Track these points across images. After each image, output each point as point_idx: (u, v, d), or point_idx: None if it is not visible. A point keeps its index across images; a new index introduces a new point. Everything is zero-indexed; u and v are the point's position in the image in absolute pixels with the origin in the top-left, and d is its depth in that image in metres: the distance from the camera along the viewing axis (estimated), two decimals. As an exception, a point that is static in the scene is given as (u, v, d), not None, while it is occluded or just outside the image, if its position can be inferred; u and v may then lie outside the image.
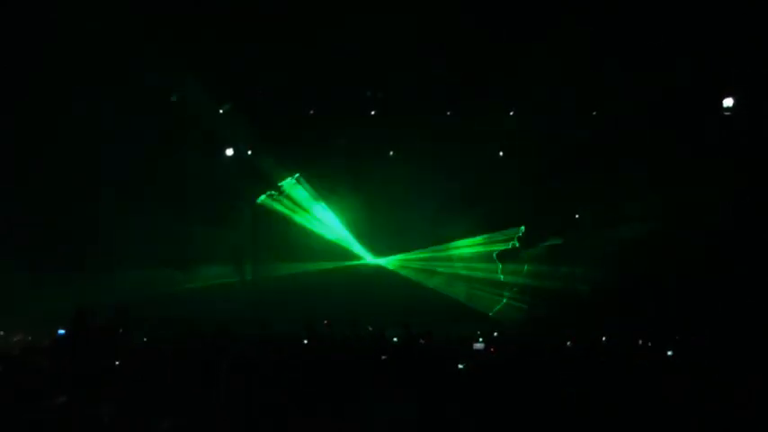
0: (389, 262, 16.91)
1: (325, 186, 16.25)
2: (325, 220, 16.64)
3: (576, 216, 15.93)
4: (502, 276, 16.20)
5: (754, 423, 5.72)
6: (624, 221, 14.66)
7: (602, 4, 12.00)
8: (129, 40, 12.13)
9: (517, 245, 16.19)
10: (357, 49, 12.96)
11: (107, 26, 11.77)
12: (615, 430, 5.98)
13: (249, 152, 15.83)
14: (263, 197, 16.34)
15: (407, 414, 6.07)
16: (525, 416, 6.15)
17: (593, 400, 6.21)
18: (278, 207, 16.43)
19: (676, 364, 8.37)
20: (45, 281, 13.45)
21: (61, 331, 7.85)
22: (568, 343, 10.04)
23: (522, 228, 16.15)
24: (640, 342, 10.17)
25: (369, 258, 16.98)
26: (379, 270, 16.90)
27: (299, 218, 16.53)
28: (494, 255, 16.27)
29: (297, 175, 16.23)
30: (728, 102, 12.89)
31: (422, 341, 8.91)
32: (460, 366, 7.71)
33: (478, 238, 16.36)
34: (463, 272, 16.51)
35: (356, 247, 16.91)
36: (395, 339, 9.86)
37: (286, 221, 16.46)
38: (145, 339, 9.53)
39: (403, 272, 16.79)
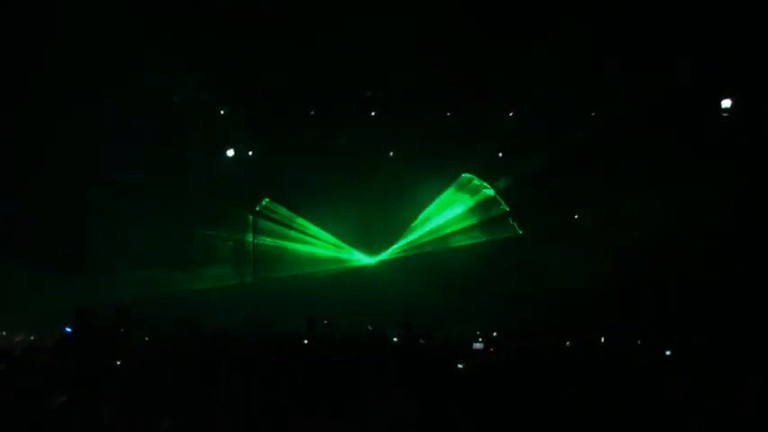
0: (389, 254, 16.89)
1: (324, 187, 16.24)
2: (325, 221, 16.64)
3: (576, 216, 15.92)
4: (500, 274, 16.15)
5: (754, 423, 5.72)
6: (624, 221, 14.66)
7: (602, 4, 12.02)
8: (129, 40, 12.15)
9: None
10: (357, 49, 12.99)
11: (107, 26, 11.80)
12: (615, 430, 5.99)
13: (249, 152, 15.84)
14: (265, 201, 16.33)
15: (407, 414, 6.07)
16: (525, 416, 6.16)
17: (592, 400, 6.21)
18: (278, 208, 16.44)
19: (676, 364, 8.35)
20: (45, 281, 13.44)
21: (68, 329, 7.89)
22: (568, 343, 10.03)
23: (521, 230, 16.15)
24: (640, 342, 10.16)
25: (369, 258, 16.98)
26: (379, 270, 16.89)
27: (298, 218, 16.54)
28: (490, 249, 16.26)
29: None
30: (726, 103, 12.90)
31: (422, 341, 8.92)
32: (460, 366, 7.71)
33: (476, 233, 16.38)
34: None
35: (356, 247, 16.91)
36: (395, 339, 9.86)
37: (286, 222, 16.47)
38: (147, 339, 9.54)
39: (402, 265, 16.71)
